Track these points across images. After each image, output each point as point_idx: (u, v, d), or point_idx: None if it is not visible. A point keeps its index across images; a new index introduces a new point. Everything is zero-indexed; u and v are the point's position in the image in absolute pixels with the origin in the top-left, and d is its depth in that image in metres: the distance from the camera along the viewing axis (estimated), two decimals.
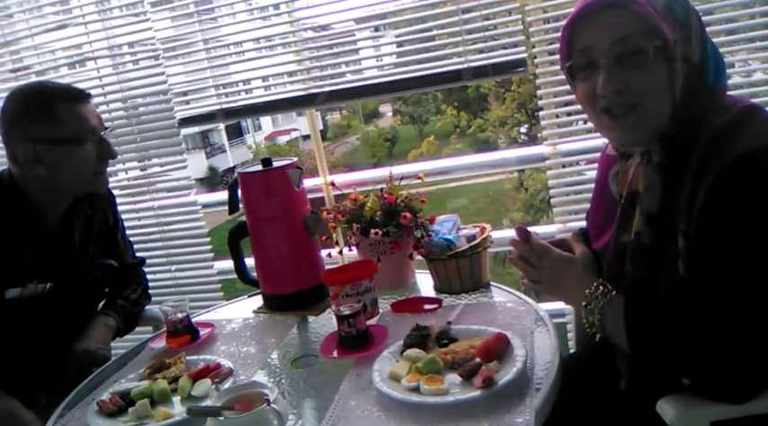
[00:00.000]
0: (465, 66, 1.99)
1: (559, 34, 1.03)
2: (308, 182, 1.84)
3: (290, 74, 2.23)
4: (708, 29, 0.99)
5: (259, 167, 1.56)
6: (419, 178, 1.77)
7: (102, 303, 1.73)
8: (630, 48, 0.93)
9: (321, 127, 20.13)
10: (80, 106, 1.47)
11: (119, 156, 2.34)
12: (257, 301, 1.63)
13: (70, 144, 1.45)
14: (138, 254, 1.86)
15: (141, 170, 2.46)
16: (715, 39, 1.26)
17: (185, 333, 1.41)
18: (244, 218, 1.59)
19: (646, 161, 1.00)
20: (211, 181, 18.01)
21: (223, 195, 2.06)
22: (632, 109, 0.95)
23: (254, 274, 1.63)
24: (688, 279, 0.91)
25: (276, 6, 2.21)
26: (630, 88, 0.94)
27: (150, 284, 1.86)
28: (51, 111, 1.44)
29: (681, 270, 0.92)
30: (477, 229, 1.55)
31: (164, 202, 2.40)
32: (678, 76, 0.93)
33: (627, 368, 1.09)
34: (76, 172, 1.49)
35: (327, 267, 1.58)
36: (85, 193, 1.60)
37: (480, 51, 1.98)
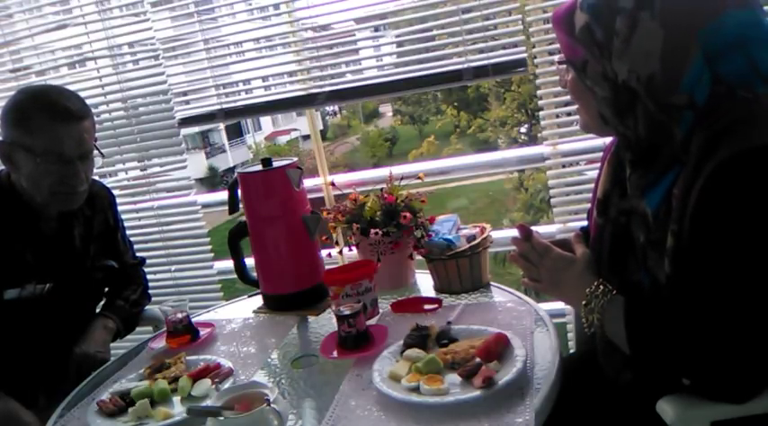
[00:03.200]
0: (465, 66, 1.99)
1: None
2: (308, 182, 1.84)
3: (290, 74, 2.23)
4: None
5: (259, 167, 1.56)
6: (419, 178, 1.77)
7: (101, 304, 1.73)
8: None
9: (321, 127, 20.13)
10: (59, 125, 1.41)
11: (119, 156, 2.37)
12: (257, 301, 1.63)
13: (31, 154, 1.41)
14: (138, 254, 1.86)
15: (141, 170, 2.47)
16: None
17: (185, 333, 1.41)
18: (244, 218, 1.59)
19: (612, 151, 1.13)
20: (211, 181, 18.02)
21: (223, 195, 2.06)
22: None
23: (254, 274, 1.63)
24: (675, 277, 0.92)
25: (276, 6, 2.21)
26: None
27: (150, 284, 1.86)
28: (27, 119, 1.41)
29: (666, 269, 0.93)
30: (477, 229, 1.55)
31: (164, 202, 2.40)
32: (597, 92, 0.99)
33: (623, 368, 1.09)
34: (33, 183, 1.45)
35: (327, 267, 1.58)
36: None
37: (480, 51, 1.98)
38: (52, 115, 1.41)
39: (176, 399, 1.17)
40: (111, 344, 1.63)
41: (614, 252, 1.06)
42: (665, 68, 0.91)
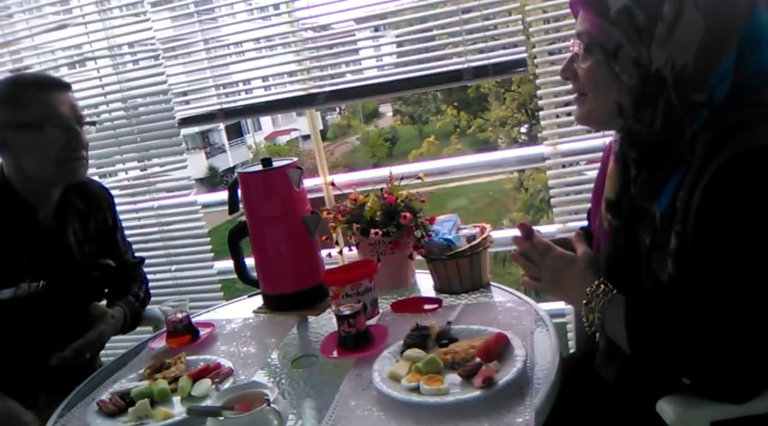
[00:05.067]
0: (465, 66, 1.99)
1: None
2: (308, 182, 1.84)
3: (290, 74, 2.23)
4: None
5: (259, 167, 1.56)
6: (419, 178, 1.77)
7: (103, 303, 1.72)
8: (580, 43, 1.02)
9: (321, 127, 20.13)
10: (48, 93, 1.45)
11: (119, 156, 2.37)
12: (257, 301, 1.63)
13: (30, 128, 1.43)
14: (137, 254, 1.86)
15: (141, 170, 2.47)
16: None
17: (185, 333, 1.41)
18: (244, 218, 1.59)
19: (614, 149, 1.09)
20: (211, 181, 18.02)
21: (223, 195, 2.06)
22: (582, 96, 1.05)
23: (254, 274, 1.63)
24: (677, 277, 0.92)
25: (276, 6, 2.21)
26: (579, 78, 1.03)
27: (150, 284, 1.85)
28: (16, 96, 1.43)
29: (669, 269, 0.93)
30: (477, 229, 1.55)
31: (164, 202, 2.40)
32: (624, 79, 0.96)
33: (618, 368, 1.09)
34: (38, 158, 1.46)
35: (327, 267, 1.58)
36: (72, 186, 1.57)
37: (480, 51, 1.98)
38: (41, 86, 1.45)
39: (176, 399, 1.17)
40: (111, 344, 1.63)
41: (626, 253, 1.05)
42: (698, 61, 0.91)
